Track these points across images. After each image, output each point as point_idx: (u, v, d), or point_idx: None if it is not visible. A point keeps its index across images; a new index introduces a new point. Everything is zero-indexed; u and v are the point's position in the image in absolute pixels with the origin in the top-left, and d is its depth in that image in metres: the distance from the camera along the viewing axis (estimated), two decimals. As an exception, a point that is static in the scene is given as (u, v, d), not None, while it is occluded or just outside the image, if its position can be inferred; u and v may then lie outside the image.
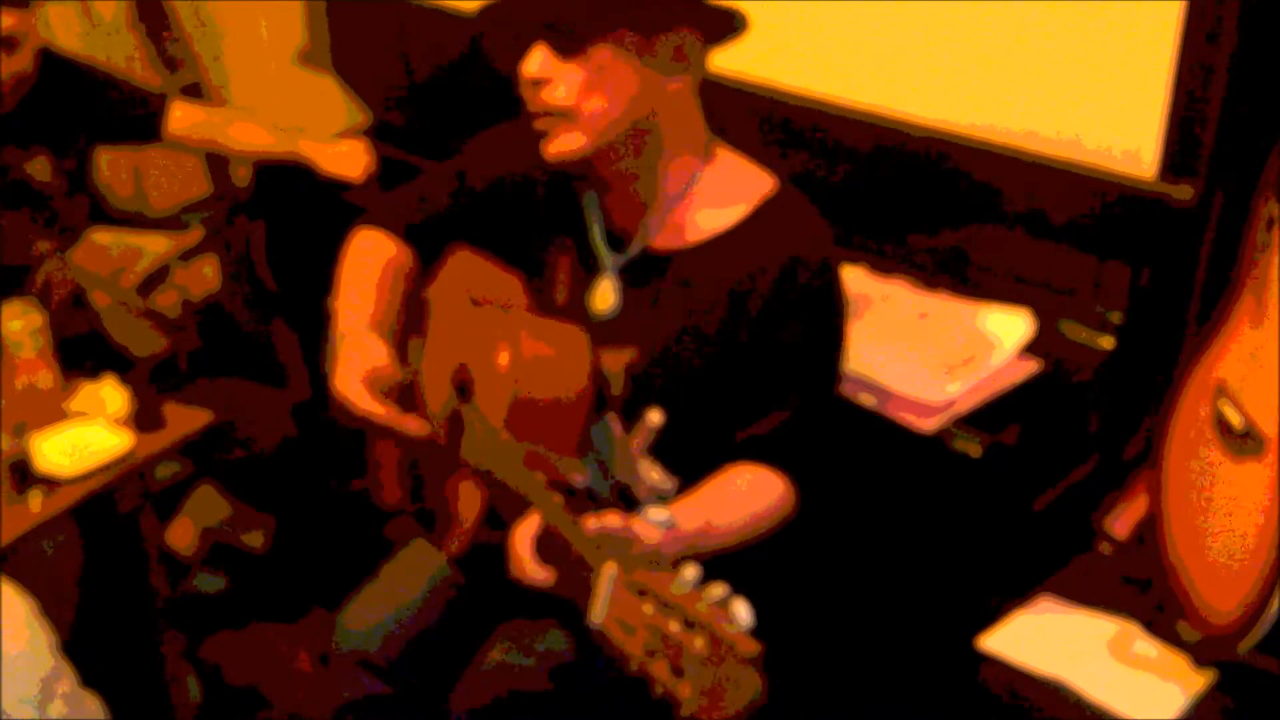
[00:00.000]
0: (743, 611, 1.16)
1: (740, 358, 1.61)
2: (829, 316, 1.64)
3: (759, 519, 1.60)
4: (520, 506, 1.47)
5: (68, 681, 1.89)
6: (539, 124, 1.58)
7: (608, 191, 1.66)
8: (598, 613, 1.26)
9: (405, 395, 1.73)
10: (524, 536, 1.41)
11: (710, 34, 1.60)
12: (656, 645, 1.17)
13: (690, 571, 1.19)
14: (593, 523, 1.34)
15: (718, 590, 1.17)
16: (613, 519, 1.36)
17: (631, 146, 1.60)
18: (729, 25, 1.59)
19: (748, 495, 1.60)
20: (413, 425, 1.64)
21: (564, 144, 1.58)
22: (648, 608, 1.19)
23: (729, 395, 1.62)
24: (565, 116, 1.56)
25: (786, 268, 1.59)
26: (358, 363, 1.65)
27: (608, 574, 1.26)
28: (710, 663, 1.12)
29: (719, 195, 1.65)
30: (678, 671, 1.14)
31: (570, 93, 1.55)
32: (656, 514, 1.43)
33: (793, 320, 1.59)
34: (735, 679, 1.12)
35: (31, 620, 1.89)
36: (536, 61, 1.55)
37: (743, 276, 1.60)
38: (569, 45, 1.53)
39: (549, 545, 1.39)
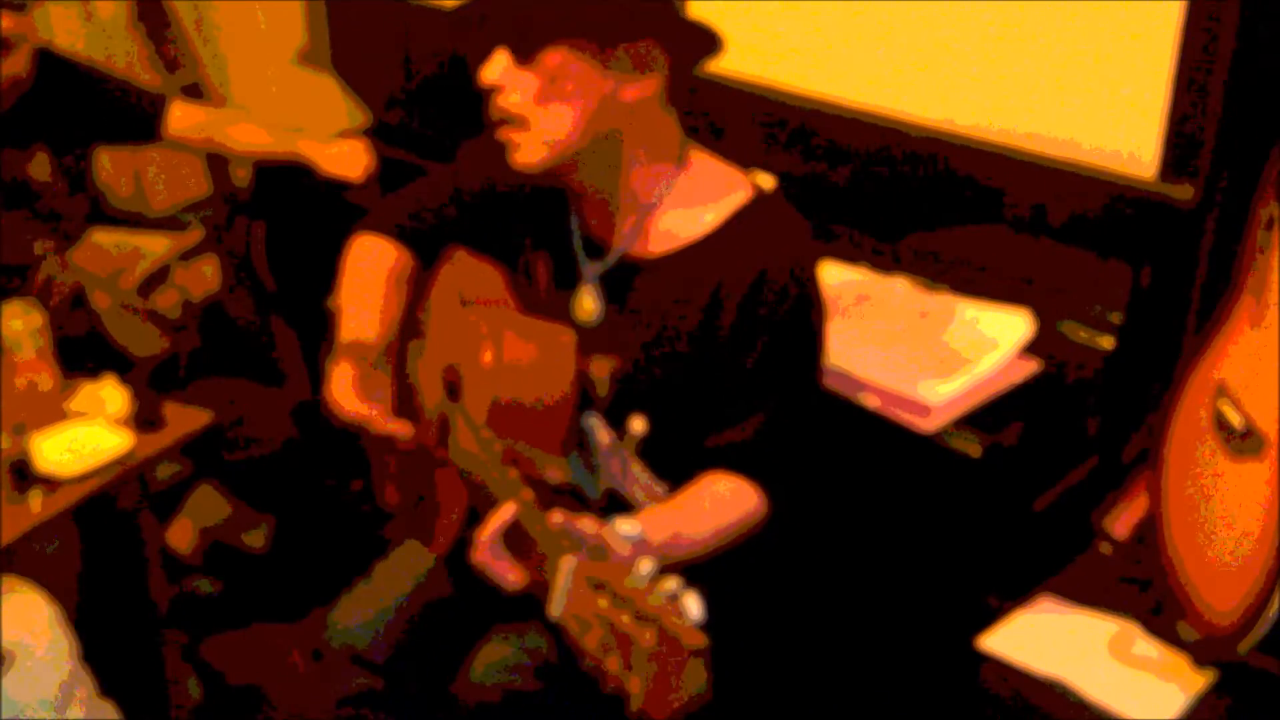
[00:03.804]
0: (693, 606, 1.17)
1: (716, 366, 1.61)
2: (802, 325, 1.62)
3: (727, 530, 1.59)
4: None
5: (86, 689, 1.90)
6: (500, 133, 1.58)
7: (581, 202, 1.66)
8: (555, 606, 1.26)
9: (404, 397, 1.73)
10: (486, 530, 1.41)
11: (682, 53, 1.58)
12: (610, 640, 1.17)
13: (645, 565, 1.19)
14: (559, 517, 1.33)
15: (670, 584, 1.17)
16: (587, 523, 1.35)
17: (597, 158, 1.59)
18: (703, 44, 1.57)
19: (719, 507, 1.60)
20: (395, 428, 1.65)
21: (524, 155, 1.58)
22: (603, 601, 1.19)
23: (708, 402, 1.62)
24: (521, 125, 1.55)
25: (758, 277, 1.58)
26: (352, 369, 1.68)
27: (566, 567, 1.26)
28: (657, 656, 1.12)
29: (694, 201, 1.64)
30: (629, 666, 1.15)
31: (525, 99, 1.54)
32: (625, 527, 1.42)
33: (765, 329, 1.59)
34: (681, 672, 1.13)
35: (54, 626, 1.90)
36: (494, 68, 1.54)
37: (716, 285, 1.60)
38: (524, 51, 1.52)
39: (518, 542, 1.39)
